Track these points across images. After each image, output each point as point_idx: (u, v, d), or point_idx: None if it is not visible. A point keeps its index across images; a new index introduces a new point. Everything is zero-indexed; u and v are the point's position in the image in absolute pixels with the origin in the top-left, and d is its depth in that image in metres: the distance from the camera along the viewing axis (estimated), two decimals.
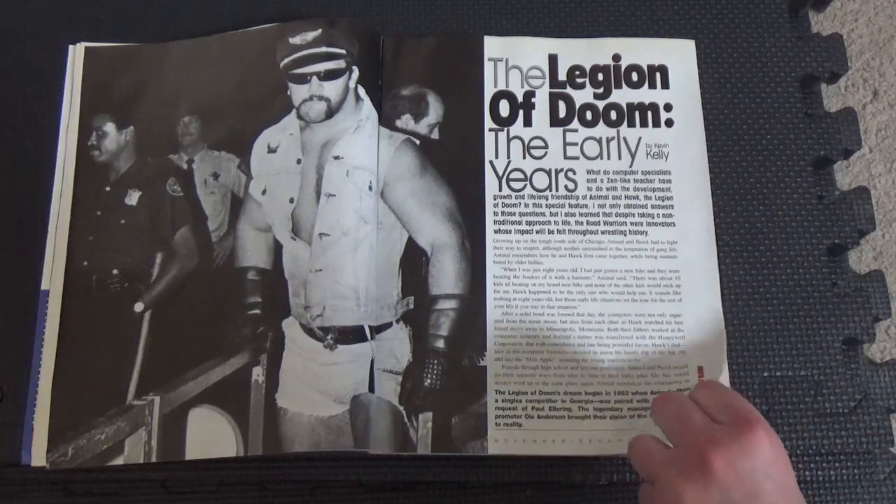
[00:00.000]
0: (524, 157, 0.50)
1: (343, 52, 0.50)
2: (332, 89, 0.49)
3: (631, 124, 0.51)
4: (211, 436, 0.44)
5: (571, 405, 0.45)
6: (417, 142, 0.50)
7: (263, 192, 0.48)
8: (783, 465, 0.34)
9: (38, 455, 0.44)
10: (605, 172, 0.50)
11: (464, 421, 0.45)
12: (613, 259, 0.48)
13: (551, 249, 0.48)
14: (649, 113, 0.51)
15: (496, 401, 0.45)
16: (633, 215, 0.49)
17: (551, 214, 0.49)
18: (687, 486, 0.33)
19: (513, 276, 0.47)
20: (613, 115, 0.51)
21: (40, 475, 0.44)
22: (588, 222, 0.49)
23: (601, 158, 0.50)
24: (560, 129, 0.51)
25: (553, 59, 0.52)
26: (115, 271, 0.47)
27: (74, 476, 0.45)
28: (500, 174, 0.50)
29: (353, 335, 0.46)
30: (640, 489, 0.38)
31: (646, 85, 0.51)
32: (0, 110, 0.51)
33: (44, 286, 0.47)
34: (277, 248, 0.47)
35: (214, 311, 0.46)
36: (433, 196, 0.49)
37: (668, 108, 0.51)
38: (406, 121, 0.50)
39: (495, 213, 0.49)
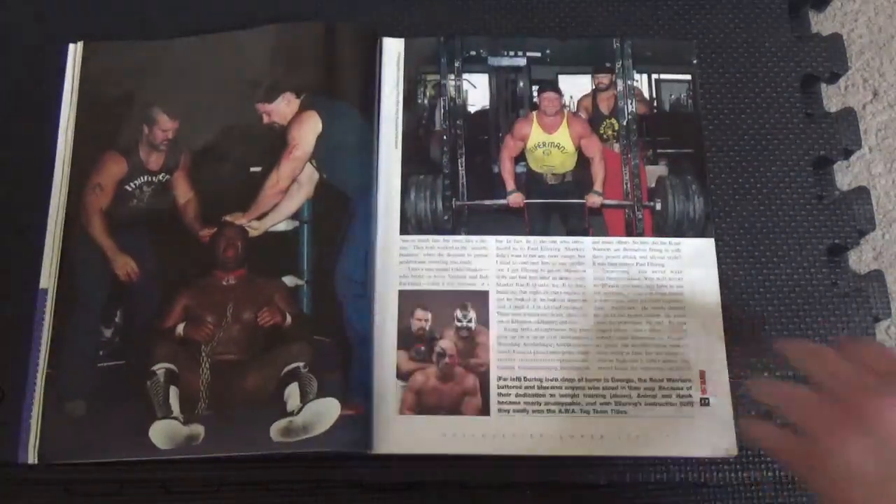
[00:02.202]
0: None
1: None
2: None
3: None
4: None
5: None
6: None
7: None
8: None
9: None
10: None
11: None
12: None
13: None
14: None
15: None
16: None
17: None
18: (847, 437, 0.32)
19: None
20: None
21: (40, 475, 0.44)
22: None
23: None
24: None
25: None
26: None
27: (74, 476, 0.45)
28: None
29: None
30: (769, 431, 0.36)
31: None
32: (0, 110, 0.51)
33: (43, 286, 0.47)
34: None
35: None
36: None
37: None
38: None
39: None
